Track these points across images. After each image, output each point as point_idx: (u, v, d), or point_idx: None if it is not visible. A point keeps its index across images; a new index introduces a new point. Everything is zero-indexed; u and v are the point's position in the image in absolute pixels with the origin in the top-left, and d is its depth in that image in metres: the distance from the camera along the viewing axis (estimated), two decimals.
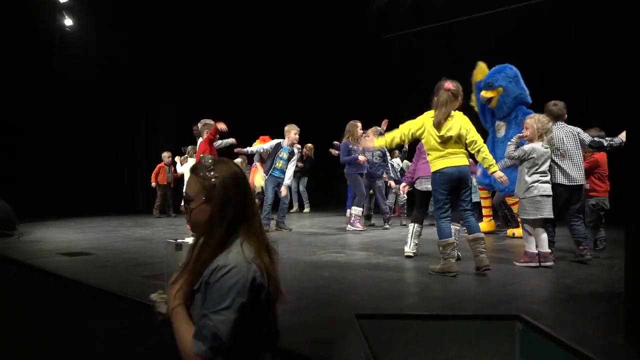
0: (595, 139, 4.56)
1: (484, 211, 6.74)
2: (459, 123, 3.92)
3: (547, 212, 4.24)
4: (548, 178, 4.32)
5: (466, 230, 4.00)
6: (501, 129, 6.19)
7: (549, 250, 4.26)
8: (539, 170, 4.27)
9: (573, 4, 8.75)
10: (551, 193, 4.30)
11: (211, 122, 6.21)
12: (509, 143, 4.47)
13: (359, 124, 6.95)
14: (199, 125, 6.32)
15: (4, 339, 4.34)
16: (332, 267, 4.20)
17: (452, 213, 4.04)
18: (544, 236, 4.23)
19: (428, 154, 4.02)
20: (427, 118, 3.99)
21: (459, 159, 3.91)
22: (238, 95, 10.87)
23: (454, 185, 3.91)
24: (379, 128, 7.14)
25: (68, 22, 9.23)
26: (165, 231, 6.92)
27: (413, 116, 4.99)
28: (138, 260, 4.46)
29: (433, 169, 3.96)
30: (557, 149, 4.47)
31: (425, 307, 2.94)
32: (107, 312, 3.28)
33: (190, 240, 3.20)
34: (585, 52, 8.37)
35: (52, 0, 9.02)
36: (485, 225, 6.54)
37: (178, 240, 3.04)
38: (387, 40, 11.30)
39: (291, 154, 6.92)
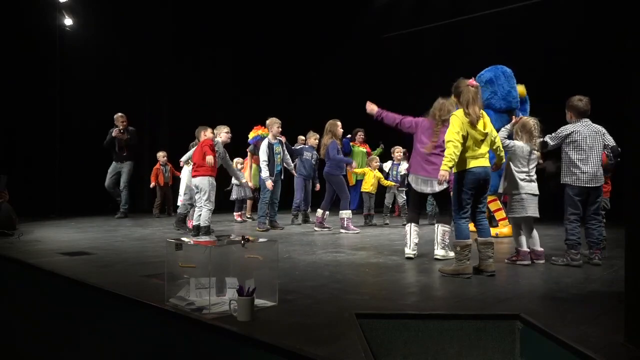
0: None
1: (498, 215, 6.65)
2: (488, 121, 3.94)
3: (532, 211, 4.37)
4: (534, 178, 4.44)
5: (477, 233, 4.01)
6: None
7: (542, 249, 4.43)
8: (523, 169, 4.40)
9: (574, 3, 8.75)
10: (537, 192, 4.42)
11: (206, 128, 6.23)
12: (501, 130, 4.54)
13: (339, 123, 6.98)
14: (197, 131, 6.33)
15: (4, 339, 4.34)
16: (332, 266, 4.20)
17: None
18: (535, 234, 4.42)
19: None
20: (462, 118, 3.84)
21: (485, 160, 3.90)
22: (238, 94, 10.86)
23: (480, 185, 3.89)
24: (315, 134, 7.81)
25: (68, 21, 9.22)
26: (165, 231, 6.92)
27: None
28: (138, 260, 4.46)
29: (460, 168, 3.88)
30: (581, 148, 4.35)
31: (426, 307, 2.94)
32: (107, 312, 3.28)
33: (190, 240, 3.21)
34: (586, 52, 8.37)
35: (52, 0, 9.01)
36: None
37: (178, 240, 3.03)
38: (387, 38, 11.31)
39: (281, 143, 7.18)
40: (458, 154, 3.80)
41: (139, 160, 10.20)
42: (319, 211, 7.02)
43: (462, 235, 3.86)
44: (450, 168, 3.82)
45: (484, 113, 3.98)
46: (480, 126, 3.85)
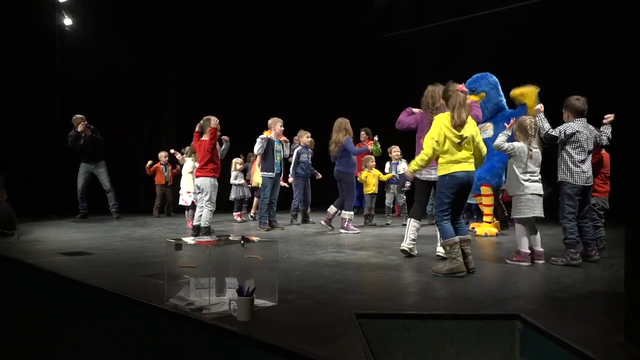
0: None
1: (486, 210, 6.68)
2: (471, 125, 3.97)
3: (539, 211, 4.39)
4: (538, 178, 4.45)
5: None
6: (488, 129, 6.43)
7: (542, 249, 4.45)
8: (528, 170, 4.40)
9: (574, 3, 8.76)
10: (542, 193, 4.45)
11: (213, 118, 6.18)
12: (500, 134, 4.58)
13: (348, 121, 6.98)
14: (201, 122, 6.28)
15: (4, 339, 4.34)
16: (332, 266, 4.20)
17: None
18: (537, 235, 4.43)
19: (440, 157, 4.01)
20: (441, 122, 3.97)
21: (469, 165, 3.95)
22: (238, 94, 10.86)
23: (462, 189, 3.95)
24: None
25: (68, 21, 9.22)
26: (165, 231, 6.93)
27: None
28: (138, 260, 4.46)
29: (443, 172, 3.98)
30: (582, 149, 4.38)
31: (425, 307, 2.94)
32: (107, 312, 3.28)
33: (190, 240, 3.21)
34: (585, 53, 8.37)
35: (52, 0, 9.01)
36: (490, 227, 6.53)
37: (178, 240, 3.03)
38: (387, 39, 11.31)
39: (281, 143, 7.28)
40: (430, 158, 4.01)
41: (136, 161, 10.22)
42: (332, 207, 6.97)
43: (447, 235, 3.93)
44: (415, 171, 4.14)
45: (470, 118, 4.00)
46: (461, 130, 3.90)
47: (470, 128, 3.95)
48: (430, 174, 4.60)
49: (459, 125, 3.89)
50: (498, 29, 9.34)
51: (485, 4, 9.71)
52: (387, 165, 8.46)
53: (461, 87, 3.98)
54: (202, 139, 6.07)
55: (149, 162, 9.23)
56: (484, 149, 4.14)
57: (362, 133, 9.23)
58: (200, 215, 5.97)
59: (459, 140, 3.89)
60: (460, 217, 4.12)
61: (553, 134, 4.44)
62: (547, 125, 4.49)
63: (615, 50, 6.92)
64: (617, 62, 6.30)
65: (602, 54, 7.95)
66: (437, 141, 3.95)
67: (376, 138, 9.03)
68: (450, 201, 3.96)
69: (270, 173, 7.03)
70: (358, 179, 8.04)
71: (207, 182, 5.93)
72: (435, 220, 4.10)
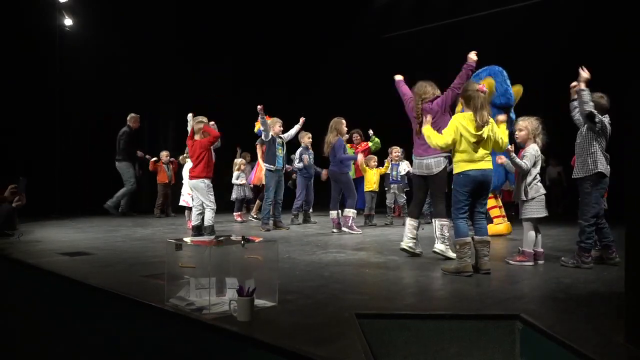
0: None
1: (493, 212, 6.65)
2: (489, 125, 3.95)
3: (546, 210, 4.41)
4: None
5: (473, 232, 4.04)
6: None
7: (542, 249, 4.45)
8: (535, 172, 4.41)
9: (574, 3, 8.76)
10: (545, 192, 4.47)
11: (205, 119, 6.18)
12: (521, 162, 4.38)
13: (344, 121, 6.90)
14: (193, 122, 6.25)
15: (4, 339, 4.34)
16: (332, 266, 4.20)
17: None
18: (539, 236, 4.44)
19: (453, 155, 4.02)
20: (458, 122, 3.95)
21: (484, 163, 3.94)
22: (238, 92, 10.86)
23: (476, 187, 3.94)
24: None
25: (68, 21, 9.23)
26: (165, 231, 6.92)
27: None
28: (138, 260, 4.46)
29: (457, 170, 3.98)
30: (607, 144, 4.20)
31: (425, 307, 2.94)
32: (107, 312, 3.29)
33: (190, 240, 3.21)
34: (586, 52, 8.36)
35: (52, 0, 9.01)
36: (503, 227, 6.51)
37: (178, 240, 3.03)
38: (387, 39, 11.31)
39: (282, 144, 7.27)
40: (438, 146, 4.06)
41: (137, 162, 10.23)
42: (332, 213, 6.84)
43: (460, 234, 3.92)
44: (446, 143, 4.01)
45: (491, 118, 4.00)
46: (479, 130, 3.87)
47: (487, 129, 3.91)
48: (422, 168, 4.64)
49: (481, 126, 3.87)
50: (498, 29, 9.33)
51: (485, 4, 9.71)
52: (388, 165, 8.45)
53: (481, 87, 3.96)
54: (196, 138, 6.04)
55: (153, 159, 9.31)
56: (505, 139, 4.07)
57: (355, 135, 9.09)
58: (198, 214, 5.97)
59: (474, 140, 3.88)
60: (483, 216, 4.05)
61: (594, 111, 4.08)
62: (591, 104, 4.08)
63: (614, 50, 6.93)
64: (617, 62, 6.30)
65: (601, 53, 7.94)
66: (451, 142, 3.95)
67: (370, 132, 8.92)
68: (465, 199, 3.93)
69: (271, 165, 6.96)
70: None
71: (201, 184, 5.90)
72: (452, 216, 4.06)
